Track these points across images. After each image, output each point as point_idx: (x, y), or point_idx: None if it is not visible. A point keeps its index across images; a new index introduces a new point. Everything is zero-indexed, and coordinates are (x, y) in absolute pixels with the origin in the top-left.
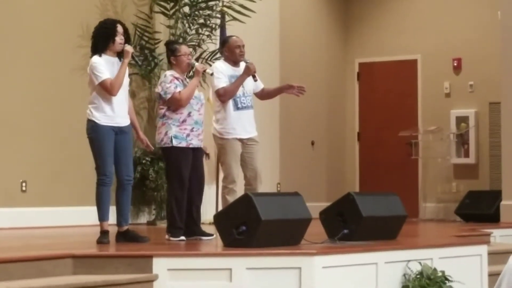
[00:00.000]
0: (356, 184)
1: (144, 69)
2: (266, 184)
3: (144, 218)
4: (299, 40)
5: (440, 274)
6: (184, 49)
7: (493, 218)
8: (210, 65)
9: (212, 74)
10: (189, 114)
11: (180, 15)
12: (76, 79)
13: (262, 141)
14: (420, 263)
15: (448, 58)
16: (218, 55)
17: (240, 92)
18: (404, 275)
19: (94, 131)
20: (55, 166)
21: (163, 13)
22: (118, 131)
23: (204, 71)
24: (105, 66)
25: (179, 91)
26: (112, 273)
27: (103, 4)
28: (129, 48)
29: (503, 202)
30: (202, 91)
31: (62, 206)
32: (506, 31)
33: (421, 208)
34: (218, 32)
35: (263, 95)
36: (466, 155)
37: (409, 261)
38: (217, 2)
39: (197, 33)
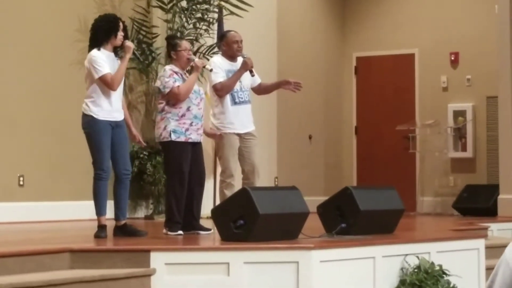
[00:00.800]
0: (354, 178)
1: (142, 63)
2: (264, 178)
3: (141, 213)
4: (296, 34)
5: (437, 268)
6: (184, 44)
7: (491, 212)
8: (208, 60)
9: (211, 70)
10: (188, 109)
11: (177, 9)
12: (73, 73)
13: (260, 136)
14: (417, 257)
15: (446, 52)
16: (216, 49)
17: (237, 87)
18: (402, 269)
19: (91, 125)
20: (52, 160)
21: (160, 7)
22: (115, 126)
23: (204, 66)
24: (105, 60)
25: (178, 86)
26: (109, 267)
27: None
28: (130, 44)
29: (500, 196)
30: (201, 86)
31: (59, 200)
32: (503, 25)
33: (419, 202)
34: (215, 26)
35: (260, 90)
36: (464, 149)
37: (406, 255)
38: None
39: (195, 27)
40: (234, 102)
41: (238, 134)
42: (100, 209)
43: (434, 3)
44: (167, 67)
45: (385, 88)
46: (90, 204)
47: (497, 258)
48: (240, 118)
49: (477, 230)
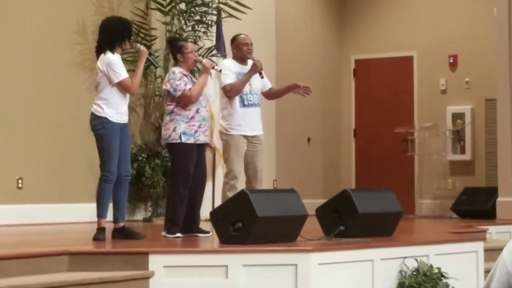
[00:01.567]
0: (352, 180)
1: None
2: (263, 181)
3: (140, 215)
4: (295, 37)
5: (436, 270)
6: (190, 46)
7: (489, 215)
8: (213, 61)
9: (220, 71)
10: (197, 111)
11: (176, 12)
12: (71, 75)
13: None
14: (416, 259)
15: (444, 54)
16: (215, 51)
17: (247, 89)
18: (400, 271)
19: (104, 127)
20: (51, 163)
21: (159, 9)
22: (123, 127)
23: (213, 67)
24: (122, 64)
25: (189, 88)
26: (108, 270)
27: (99, 0)
28: (144, 49)
29: (499, 199)
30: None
31: (58, 203)
32: (501, 27)
33: (417, 204)
34: (214, 29)
35: (270, 94)
36: (462, 151)
37: (405, 257)
38: None
39: (193, 29)
40: (243, 104)
41: (246, 137)
42: (101, 211)
43: (432, 5)
44: (176, 70)
45: (384, 90)
46: (89, 206)
47: (495, 261)
48: (248, 120)
49: (476, 232)
